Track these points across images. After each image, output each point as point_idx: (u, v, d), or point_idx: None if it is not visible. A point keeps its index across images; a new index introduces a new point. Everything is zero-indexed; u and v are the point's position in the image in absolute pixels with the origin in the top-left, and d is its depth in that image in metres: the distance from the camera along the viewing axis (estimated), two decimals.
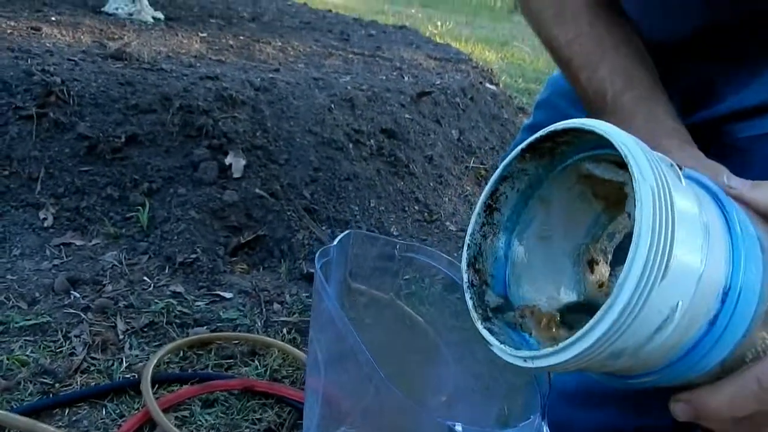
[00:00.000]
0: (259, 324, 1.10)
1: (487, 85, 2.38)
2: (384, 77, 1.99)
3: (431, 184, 1.70)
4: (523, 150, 0.44)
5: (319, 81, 1.76)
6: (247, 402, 0.92)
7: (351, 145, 1.59)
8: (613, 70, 0.64)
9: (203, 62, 1.77)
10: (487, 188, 0.46)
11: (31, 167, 1.30)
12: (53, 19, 1.96)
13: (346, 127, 1.61)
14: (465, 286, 0.47)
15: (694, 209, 0.38)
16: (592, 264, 0.48)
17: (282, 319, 1.12)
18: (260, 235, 1.33)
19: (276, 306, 1.16)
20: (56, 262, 1.15)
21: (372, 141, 1.64)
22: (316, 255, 0.61)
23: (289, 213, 1.37)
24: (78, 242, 1.22)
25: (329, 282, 0.61)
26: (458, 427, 0.42)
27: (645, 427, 0.77)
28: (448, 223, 1.61)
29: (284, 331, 1.09)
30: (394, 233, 1.48)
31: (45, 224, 1.23)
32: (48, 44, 1.66)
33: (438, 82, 2.05)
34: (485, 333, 0.46)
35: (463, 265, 0.47)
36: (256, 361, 1.00)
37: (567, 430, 0.83)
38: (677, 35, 0.72)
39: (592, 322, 0.35)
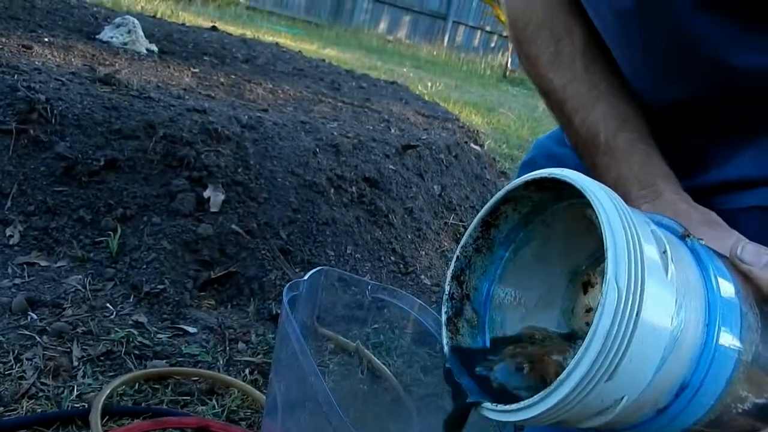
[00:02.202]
0: (221, 362, 1.06)
1: (472, 145, 2.40)
2: (371, 127, 2.00)
3: (409, 237, 1.69)
4: (527, 182, 0.44)
5: (307, 125, 1.77)
6: None
7: (332, 190, 1.58)
8: (607, 112, 0.64)
9: (192, 95, 1.77)
10: (488, 206, 0.46)
11: (4, 182, 1.27)
12: (46, 40, 1.95)
13: (329, 172, 1.60)
14: (444, 298, 0.47)
15: (671, 300, 0.37)
16: (587, 286, 0.48)
17: (245, 358, 1.09)
18: (232, 271, 1.30)
19: (240, 345, 1.12)
20: (17, 281, 1.11)
21: (354, 188, 1.63)
22: (285, 287, 0.59)
23: (263, 252, 1.35)
24: (43, 263, 1.18)
25: (295, 316, 0.59)
26: None
27: None
28: (423, 277, 1.59)
29: (246, 371, 1.05)
30: None
31: (10, 242, 1.20)
32: (37, 63, 1.65)
33: (424, 137, 2.06)
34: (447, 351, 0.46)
35: (448, 276, 0.47)
36: (214, 401, 0.97)
37: None
38: (666, 102, 0.73)
39: (537, 397, 0.36)
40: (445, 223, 1.87)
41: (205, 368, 1.03)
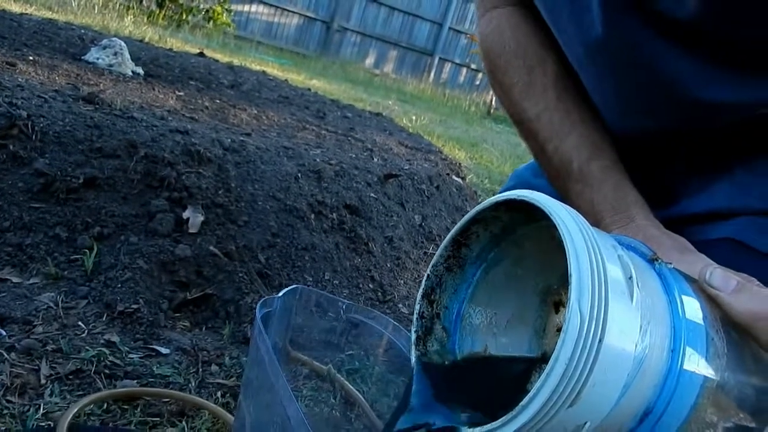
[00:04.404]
0: (193, 384, 1.04)
1: (454, 177, 2.42)
2: (354, 155, 2.01)
3: (388, 265, 1.68)
4: (497, 203, 0.44)
5: (289, 150, 1.77)
6: None
7: (313, 216, 1.57)
8: (580, 141, 0.65)
9: (175, 117, 1.77)
10: (458, 226, 0.46)
11: None
12: (31, 58, 1.95)
13: (311, 198, 1.60)
14: (415, 317, 0.47)
15: (635, 326, 0.37)
16: (558, 305, 0.48)
17: (218, 381, 1.07)
18: (208, 293, 1.28)
19: (214, 367, 1.11)
20: None
21: (334, 215, 1.63)
22: (258, 304, 0.58)
23: (240, 275, 1.34)
24: (15, 279, 1.16)
25: (268, 334, 0.59)
26: None
27: None
28: (400, 305, 1.59)
29: (218, 394, 1.04)
30: None
31: None
32: (20, 79, 1.64)
33: (406, 167, 2.08)
34: (416, 376, 0.46)
35: (419, 295, 0.47)
36: (184, 423, 0.95)
37: None
38: (637, 133, 0.74)
39: (499, 422, 0.36)
40: (425, 252, 1.87)
41: (177, 390, 1.01)
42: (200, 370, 1.09)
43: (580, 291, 0.36)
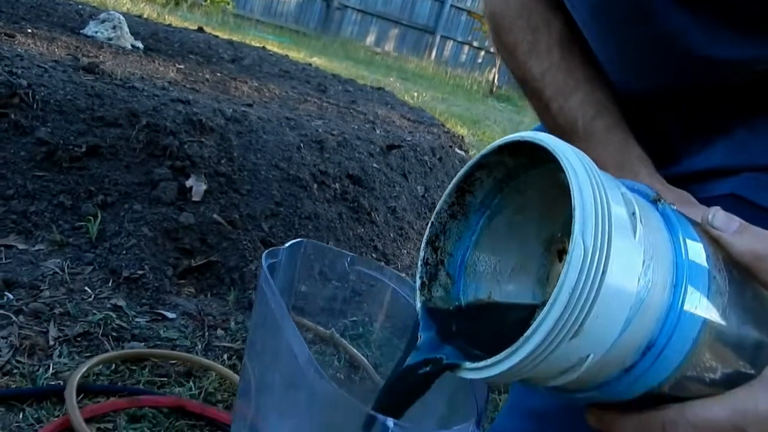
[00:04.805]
0: (200, 347, 1.05)
1: (457, 150, 2.42)
2: (356, 126, 2.00)
3: (391, 235, 1.69)
4: (500, 147, 0.44)
5: (291, 121, 1.77)
6: (177, 421, 0.87)
7: (315, 186, 1.58)
8: (584, 99, 0.65)
9: (176, 88, 1.76)
10: (462, 172, 0.46)
11: None
12: (29, 31, 1.94)
13: (313, 168, 1.60)
14: (419, 263, 0.47)
15: (638, 261, 0.37)
16: (562, 254, 0.48)
17: (224, 344, 1.08)
18: (212, 260, 1.29)
19: (219, 331, 1.11)
20: None
21: (337, 184, 1.63)
22: (264, 254, 0.59)
23: (244, 243, 1.34)
24: (20, 246, 1.16)
25: (275, 282, 0.59)
26: (389, 422, 0.40)
27: None
28: (404, 275, 1.59)
29: (225, 356, 1.05)
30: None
31: None
32: (19, 50, 1.63)
33: (409, 139, 2.07)
34: (422, 317, 0.46)
35: (423, 242, 0.47)
36: (191, 383, 0.96)
37: None
38: (640, 92, 0.74)
39: (503, 354, 0.36)
40: (428, 223, 1.87)
41: (184, 352, 1.02)
42: (206, 333, 1.09)
43: (584, 223, 0.36)
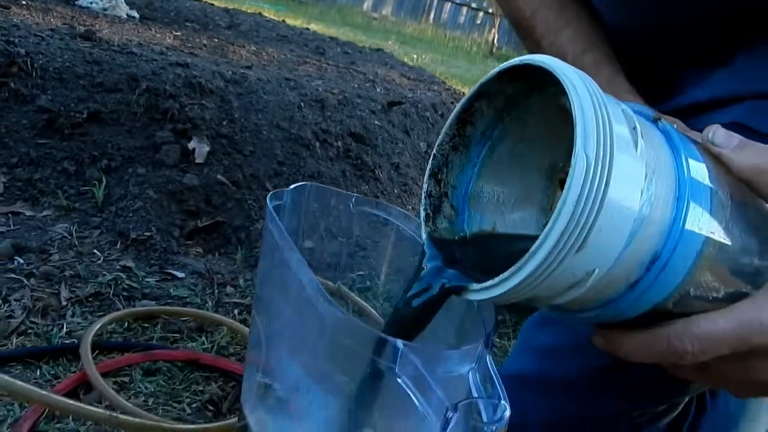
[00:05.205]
0: (210, 304, 1.06)
1: None
2: (356, 85, 1.99)
3: (396, 191, 1.69)
4: (500, 73, 0.43)
5: (291, 81, 1.76)
6: (191, 374, 0.88)
7: (318, 144, 1.57)
8: (574, 35, 0.66)
9: (175, 53, 1.75)
10: (462, 102, 0.46)
11: None
12: (24, 2, 1.93)
13: (315, 126, 1.60)
14: (423, 195, 0.47)
15: (640, 174, 0.37)
16: (564, 183, 0.48)
17: (234, 300, 1.09)
18: (218, 221, 1.30)
19: (229, 289, 1.12)
20: (2, 229, 1.11)
21: (339, 143, 1.63)
22: (269, 195, 0.59)
23: (249, 202, 1.35)
24: (28, 212, 1.17)
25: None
26: (399, 343, 0.40)
27: (584, 415, 0.77)
28: (408, 212, 1.60)
29: (235, 312, 1.06)
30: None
31: None
32: (16, 20, 1.62)
33: (410, 96, 2.06)
34: (428, 247, 0.46)
35: (426, 175, 0.47)
36: (204, 338, 0.97)
37: (516, 414, 0.82)
38: (635, 27, 0.74)
39: (509, 271, 0.36)
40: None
41: (194, 309, 1.03)
42: (216, 291, 1.11)
43: (585, 137, 0.36)
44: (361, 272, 1.01)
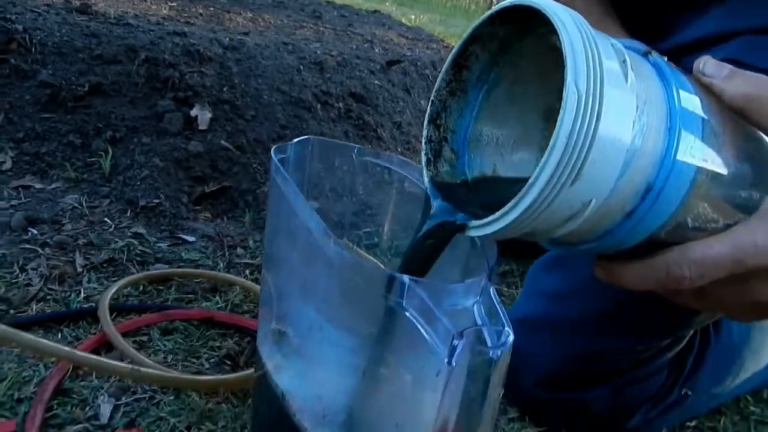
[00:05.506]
0: (222, 265, 1.09)
1: None
2: (354, 47, 1.99)
3: (399, 150, 1.70)
4: (492, 16, 0.44)
5: (289, 45, 1.76)
6: (207, 331, 0.91)
7: (319, 106, 1.58)
8: None
9: (171, 22, 1.75)
10: (457, 47, 0.47)
11: None
12: None
13: (315, 89, 1.61)
14: (423, 141, 0.48)
15: (631, 105, 0.38)
16: None
17: (245, 261, 1.11)
18: (225, 186, 1.31)
19: (239, 250, 1.15)
20: (14, 202, 1.13)
21: (340, 104, 1.64)
22: (273, 149, 0.60)
23: (254, 166, 1.36)
24: (37, 185, 1.19)
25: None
26: (405, 278, 0.42)
27: (591, 353, 0.79)
28: (410, 161, 1.61)
29: (247, 272, 1.08)
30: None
31: (3, 167, 1.21)
32: None
33: (408, 54, 2.06)
34: (431, 190, 0.48)
35: (425, 121, 0.48)
36: (218, 297, 0.99)
37: (519, 357, 0.85)
38: None
39: (508, 206, 0.38)
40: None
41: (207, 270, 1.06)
42: (227, 253, 1.13)
43: (576, 72, 0.37)
44: (368, 229, 1.02)
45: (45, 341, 0.72)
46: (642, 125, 0.39)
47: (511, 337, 0.41)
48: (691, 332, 0.81)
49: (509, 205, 0.39)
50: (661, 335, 0.77)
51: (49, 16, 1.49)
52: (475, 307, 0.44)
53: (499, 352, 0.40)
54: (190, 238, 1.15)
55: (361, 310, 0.48)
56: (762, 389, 1.01)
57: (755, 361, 0.87)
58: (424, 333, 0.41)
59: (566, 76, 0.37)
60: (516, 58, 0.49)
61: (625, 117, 0.38)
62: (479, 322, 0.42)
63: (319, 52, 1.76)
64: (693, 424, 0.92)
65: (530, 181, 0.37)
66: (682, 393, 0.82)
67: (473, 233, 0.43)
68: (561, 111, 0.36)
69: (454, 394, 0.40)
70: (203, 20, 1.98)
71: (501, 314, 0.42)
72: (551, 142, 0.36)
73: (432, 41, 2.56)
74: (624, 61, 0.39)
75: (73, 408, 0.72)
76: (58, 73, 1.34)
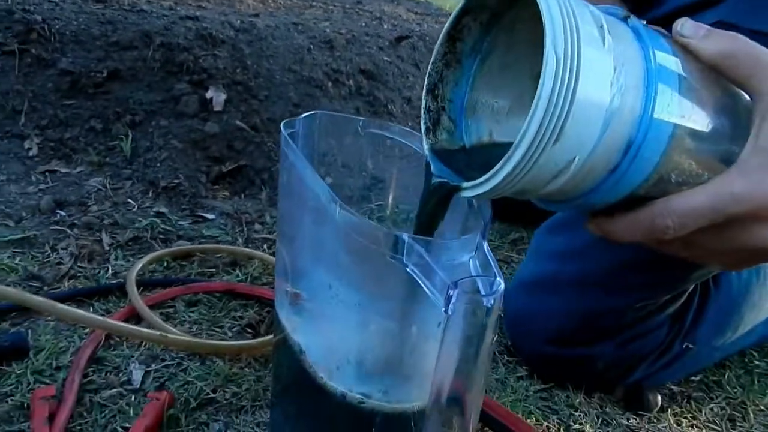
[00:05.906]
0: (241, 241, 1.13)
1: None
2: (363, 24, 2.01)
3: (410, 124, 1.73)
4: None
5: (299, 25, 1.79)
6: (229, 302, 0.95)
7: (330, 84, 1.62)
8: None
9: (183, 6, 1.79)
10: (449, 20, 0.50)
11: (15, 101, 1.32)
12: None
13: (325, 67, 1.64)
14: (422, 111, 0.51)
15: (608, 67, 0.40)
16: None
17: (263, 236, 1.16)
18: (241, 165, 1.36)
19: (257, 226, 1.19)
20: (42, 186, 1.18)
21: (351, 81, 1.67)
22: (282, 123, 0.64)
23: (269, 145, 1.40)
24: (63, 169, 1.25)
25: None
26: (404, 236, 0.46)
27: (595, 310, 0.83)
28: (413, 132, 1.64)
29: (265, 246, 1.13)
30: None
31: (30, 153, 1.26)
32: None
33: (417, 30, 2.08)
34: (430, 157, 0.51)
35: (423, 92, 0.52)
36: (238, 270, 1.04)
37: (527, 316, 0.89)
38: None
39: (497, 167, 0.41)
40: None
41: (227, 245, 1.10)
42: (245, 229, 1.18)
43: (554, 37, 0.40)
44: (380, 202, 1.06)
45: (83, 312, 0.77)
46: (620, 85, 0.42)
47: (503, 286, 0.44)
48: (691, 287, 0.84)
49: (498, 165, 0.42)
50: (660, 290, 0.80)
51: (66, 5, 1.54)
52: (471, 262, 0.47)
53: (492, 300, 0.44)
54: (210, 216, 1.19)
55: (367, 268, 0.52)
56: (766, 343, 1.04)
57: (754, 314, 0.90)
58: (423, 285, 0.45)
59: (545, 43, 0.40)
60: (507, 28, 0.51)
61: (603, 78, 0.41)
62: (473, 274, 0.46)
63: (328, 30, 1.79)
64: (698, 378, 0.95)
65: (515, 142, 0.40)
66: (684, 347, 0.86)
67: (467, 194, 0.46)
68: (541, 75, 0.39)
69: (452, 339, 0.43)
70: (214, 3, 2.01)
71: (493, 267, 0.46)
72: (533, 104, 0.40)
73: (441, 15, 2.58)
74: (601, 26, 0.42)
75: (107, 374, 0.77)
76: (77, 61, 1.38)
